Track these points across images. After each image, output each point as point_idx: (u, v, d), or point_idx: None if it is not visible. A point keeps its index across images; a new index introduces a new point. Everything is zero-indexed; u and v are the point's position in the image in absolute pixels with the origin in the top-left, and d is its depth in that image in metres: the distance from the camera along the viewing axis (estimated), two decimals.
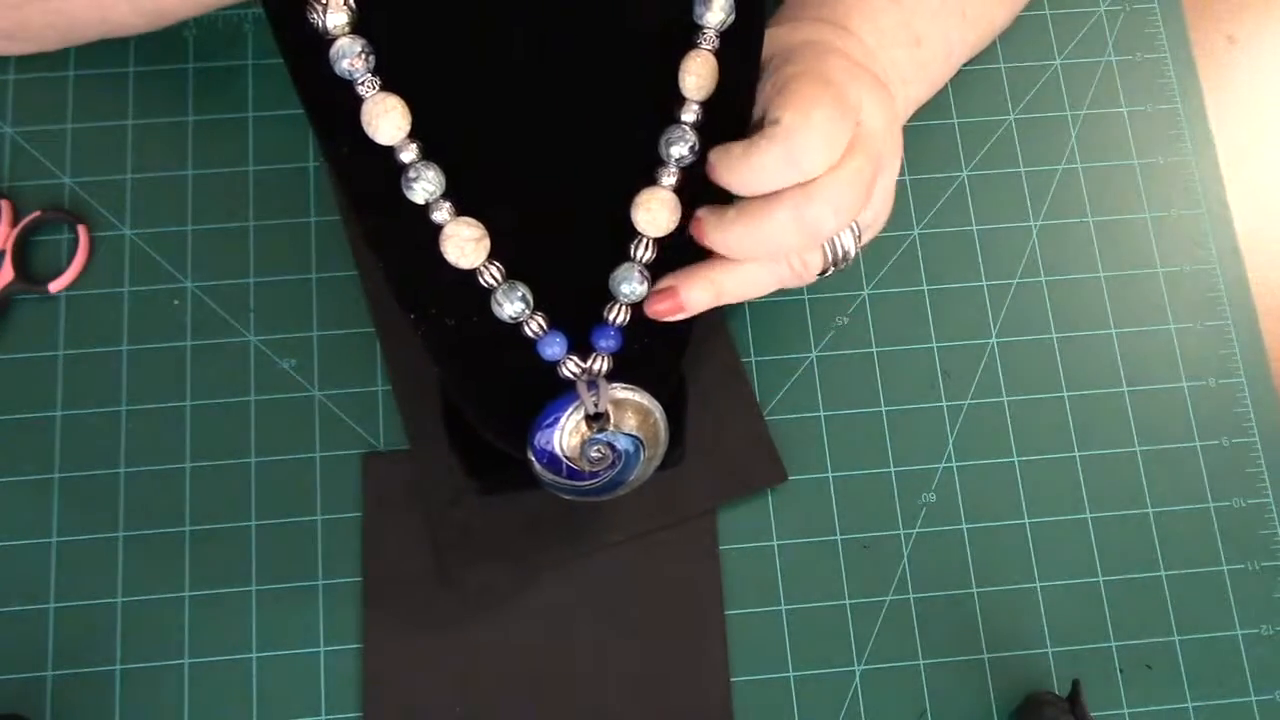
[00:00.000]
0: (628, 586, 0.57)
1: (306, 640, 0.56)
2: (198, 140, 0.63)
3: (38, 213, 0.60)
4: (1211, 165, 0.66)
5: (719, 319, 0.62)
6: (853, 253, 0.47)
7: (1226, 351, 0.62)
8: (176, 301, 0.60)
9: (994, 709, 0.57)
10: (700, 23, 0.45)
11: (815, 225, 0.42)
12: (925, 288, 0.63)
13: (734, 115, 0.45)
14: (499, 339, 0.46)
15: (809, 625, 0.57)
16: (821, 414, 0.60)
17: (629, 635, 0.57)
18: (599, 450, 0.47)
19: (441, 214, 0.44)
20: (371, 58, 0.42)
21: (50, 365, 0.59)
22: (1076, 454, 0.61)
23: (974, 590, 0.58)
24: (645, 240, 0.45)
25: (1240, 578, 0.59)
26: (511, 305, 0.45)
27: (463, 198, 0.44)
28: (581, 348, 0.46)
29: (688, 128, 0.45)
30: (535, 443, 0.47)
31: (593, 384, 0.46)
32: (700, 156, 0.44)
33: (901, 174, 0.59)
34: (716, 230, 0.44)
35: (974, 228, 0.64)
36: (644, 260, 0.45)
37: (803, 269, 0.46)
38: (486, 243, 0.45)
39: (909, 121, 0.56)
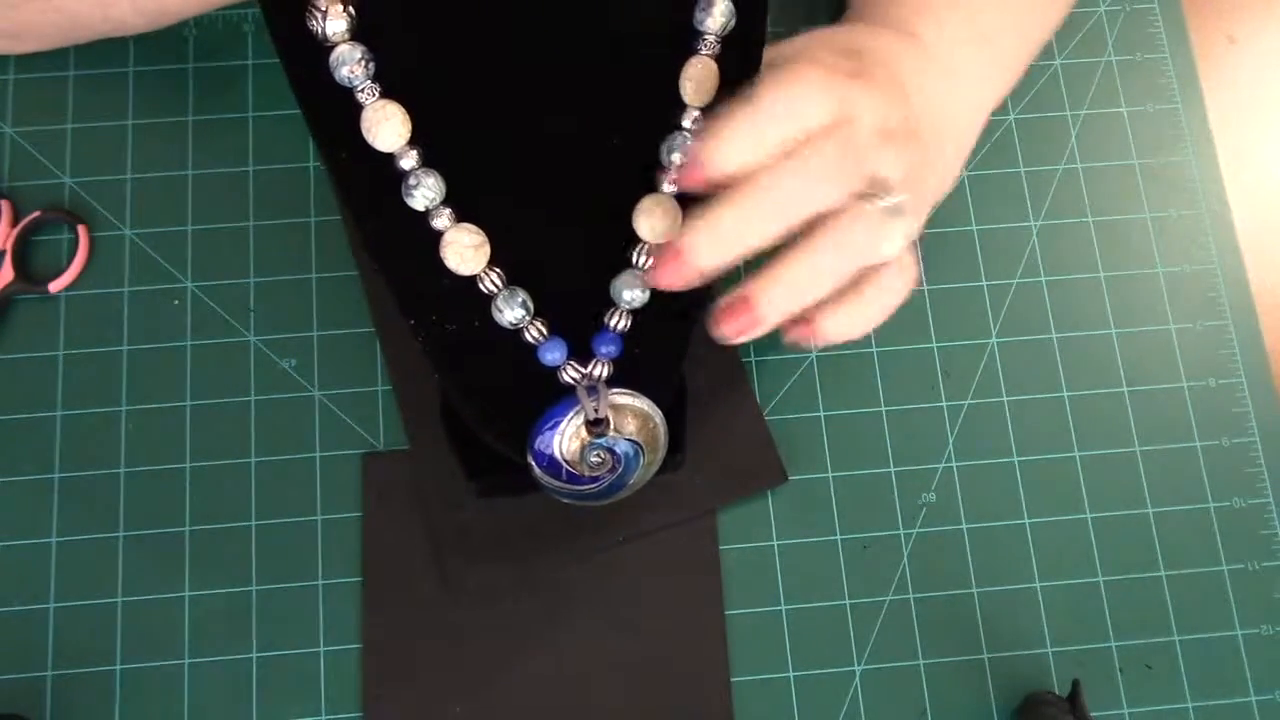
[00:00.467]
0: (628, 587, 0.57)
1: (306, 640, 0.56)
2: (198, 140, 0.62)
3: (38, 213, 0.60)
4: (1211, 165, 0.65)
5: None
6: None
7: (1226, 352, 0.62)
8: (176, 301, 0.60)
9: (994, 709, 0.57)
10: (700, 28, 0.45)
11: (777, 194, 0.41)
12: (925, 288, 0.62)
13: None
14: (499, 345, 0.46)
15: (809, 625, 0.57)
16: (821, 414, 0.60)
17: (629, 635, 0.57)
18: (599, 455, 0.47)
19: (442, 220, 0.44)
20: (371, 65, 0.42)
21: (50, 365, 0.59)
22: (1076, 454, 0.61)
23: (974, 590, 0.58)
24: (646, 246, 0.45)
25: (1240, 578, 0.59)
26: (512, 311, 0.45)
27: (463, 204, 0.44)
28: (582, 353, 0.46)
29: (688, 134, 0.45)
30: (535, 447, 0.47)
31: (593, 389, 0.46)
32: None
33: None
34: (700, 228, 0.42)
35: (974, 228, 0.64)
36: (644, 266, 0.45)
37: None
38: (487, 249, 0.45)
39: None
